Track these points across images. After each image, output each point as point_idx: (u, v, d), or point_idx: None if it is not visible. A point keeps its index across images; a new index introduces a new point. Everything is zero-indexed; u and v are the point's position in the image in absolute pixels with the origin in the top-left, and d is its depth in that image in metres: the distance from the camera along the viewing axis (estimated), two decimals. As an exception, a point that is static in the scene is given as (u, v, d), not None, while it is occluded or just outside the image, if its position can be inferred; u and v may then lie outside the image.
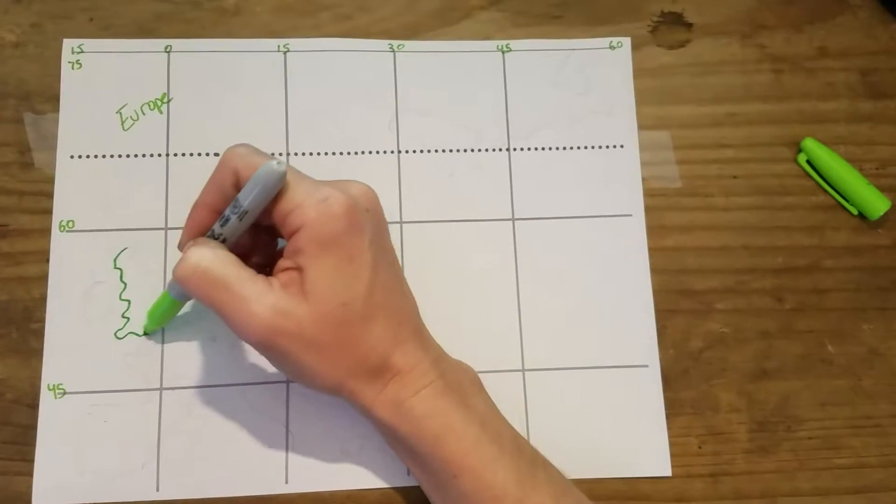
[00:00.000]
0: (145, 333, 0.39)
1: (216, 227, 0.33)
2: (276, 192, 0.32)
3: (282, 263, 0.33)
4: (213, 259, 0.32)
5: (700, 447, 0.40)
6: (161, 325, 0.39)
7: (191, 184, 0.40)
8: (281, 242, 0.37)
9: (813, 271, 0.42)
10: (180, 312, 0.39)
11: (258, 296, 0.31)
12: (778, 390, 0.41)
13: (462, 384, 0.35)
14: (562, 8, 0.45)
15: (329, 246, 0.31)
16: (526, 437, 0.39)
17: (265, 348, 0.32)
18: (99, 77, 0.42)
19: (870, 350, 0.41)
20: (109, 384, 0.38)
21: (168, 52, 0.42)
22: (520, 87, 0.44)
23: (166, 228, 0.40)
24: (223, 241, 0.33)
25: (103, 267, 0.39)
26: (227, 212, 0.33)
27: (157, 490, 0.37)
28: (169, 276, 0.39)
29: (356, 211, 0.32)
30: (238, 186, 0.33)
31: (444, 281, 0.41)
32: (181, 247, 0.35)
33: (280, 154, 0.42)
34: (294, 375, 0.35)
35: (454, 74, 0.43)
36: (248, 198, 0.32)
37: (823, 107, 0.44)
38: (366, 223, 0.33)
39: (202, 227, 0.34)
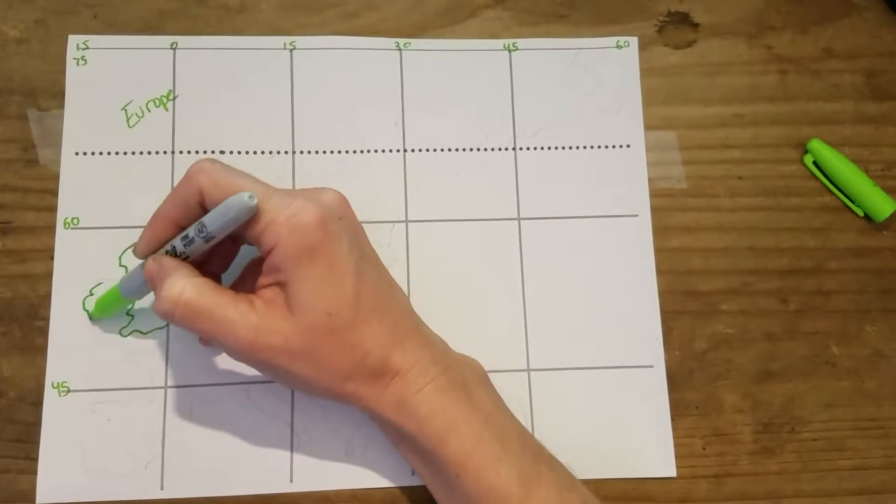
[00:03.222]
0: (90, 318, 0.39)
1: (178, 245, 0.33)
2: (246, 220, 0.31)
3: (262, 281, 0.33)
4: (193, 290, 0.31)
5: (705, 448, 0.40)
6: (107, 316, 0.38)
7: (196, 181, 0.40)
8: (246, 249, 0.37)
9: (818, 273, 0.42)
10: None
11: (242, 318, 0.31)
12: (782, 392, 0.41)
13: (466, 379, 0.35)
14: (568, 7, 0.45)
15: (307, 258, 0.31)
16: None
17: (257, 365, 0.33)
18: (104, 73, 0.42)
19: (874, 352, 0.41)
20: (114, 382, 0.38)
21: (174, 49, 0.42)
22: (526, 86, 0.43)
23: (171, 226, 0.40)
24: (185, 259, 0.33)
25: (108, 264, 0.39)
26: (191, 232, 0.32)
27: (162, 489, 0.37)
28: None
29: (329, 220, 0.32)
30: (203, 205, 0.32)
31: (449, 280, 0.41)
32: (139, 255, 0.35)
33: (286, 153, 0.41)
34: (293, 386, 0.36)
35: (461, 73, 0.43)
36: (215, 224, 0.31)
37: (829, 108, 0.44)
38: (341, 231, 0.32)
39: (161, 240, 0.34)
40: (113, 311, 0.38)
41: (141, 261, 0.35)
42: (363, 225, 0.41)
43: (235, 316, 0.31)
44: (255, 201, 0.31)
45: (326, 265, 0.32)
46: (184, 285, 0.31)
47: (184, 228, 0.33)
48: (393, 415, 0.33)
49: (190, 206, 0.33)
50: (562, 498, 0.33)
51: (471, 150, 0.42)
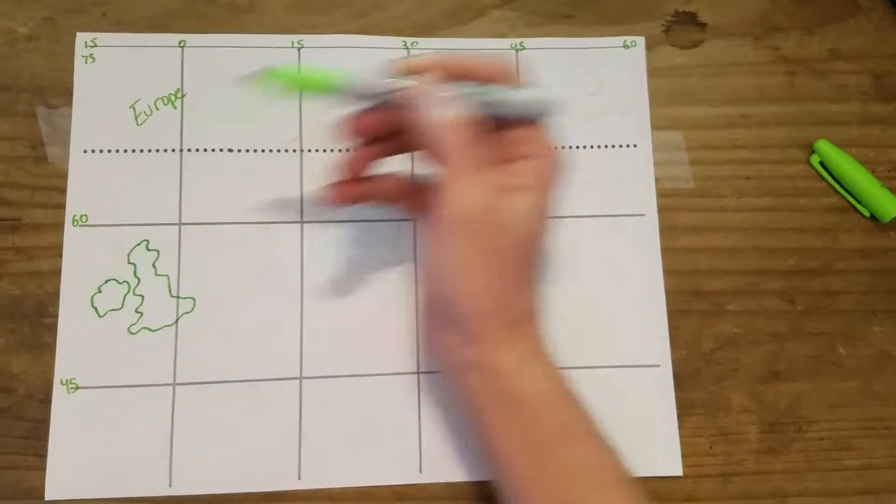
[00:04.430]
0: (256, 81, 0.34)
1: (459, 88, 0.32)
2: (533, 115, 0.33)
3: (500, 171, 0.33)
4: (473, 127, 0.32)
5: (711, 447, 0.40)
6: (280, 87, 0.33)
7: (204, 179, 0.40)
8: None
9: (824, 273, 0.42)
10: (192, 307, 0.39)
11: (483, 176, 0.31)
12: (788, 391, 0.41)
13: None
14: (575, 7, 0.45)
15: (547, 187, 0.33)
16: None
17: (452, 222, 0.32)
18: (112, 71, 0.42)
19: (880, 352, 0.42)
20: (122, 379, 0.38)
21: (182, 47, 0.42)
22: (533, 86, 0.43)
23: (180, 223, 0.40)
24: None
25: (117, 262, 0.39)
26: (479, 88, 0.32)
27: (170, 486, 0.37)
28: (183, 273, 0.39)
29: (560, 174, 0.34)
30: (404, 123, 0.33)
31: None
32: (411, 68, 0.33)
33: (294, 151, 0.41)
34: (448, 273, 0.33)
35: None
36: (512, 100, 0.33)
37: (835, 109, 0.45)
38: None
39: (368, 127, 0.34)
40: (297, 86, 0.34)
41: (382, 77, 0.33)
42: (370, 223, 0.41)
43: (476, 170, 0.31)
44: (556, 106, 0.33)
45: (550, 201, 0.33)
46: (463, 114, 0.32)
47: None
48: (514, 363, 0.33)
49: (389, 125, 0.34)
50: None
51: (478, 149, 0.42)
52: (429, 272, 0.35)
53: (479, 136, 0.32)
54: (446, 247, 0.32)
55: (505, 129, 0.34)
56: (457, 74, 0.33)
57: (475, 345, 0.33)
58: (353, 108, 0.34)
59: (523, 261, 0.33)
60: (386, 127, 0.34)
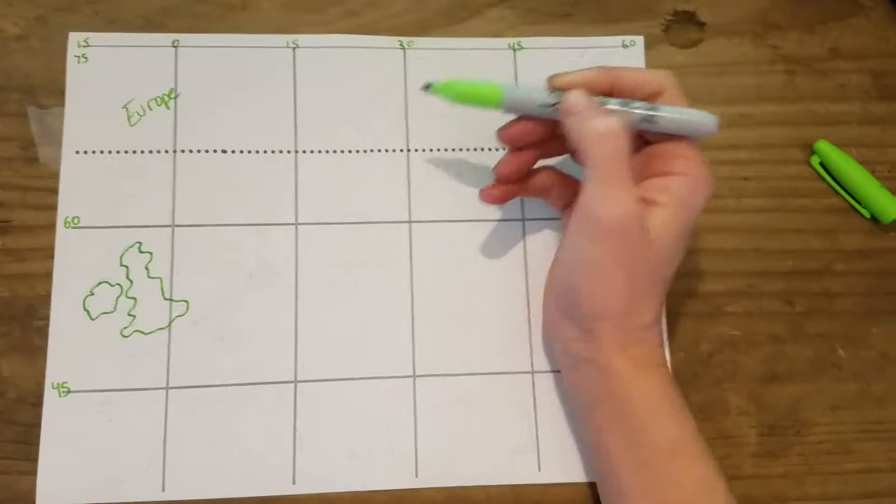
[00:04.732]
0: (426, 87, 0.36)
1: (614, 103, 0.34)
2: (698, 132, 0.34)
3: (645, 185, 0.34)
4: (628, 139, 0.32)
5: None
6: (447, 97, 0.36)
7: (198, 180, 0.40)
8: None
9: (824, 274, 0.42)
10: (186, 309, 0.38)
11: (630, 187, 0.32)
12: (788, 394, 0.40)
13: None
14: (573, 6, 0.45)
15: (687, 206, 0.34)
16: (535, 439, 0.39)
17: (589, 225, 0.33)
18: (105, 71, 0.41)
19: (880, 354, 0.41)
20: (114, 383, 0.38)
21: (176, 47, 0.42)
22: (531, 86, 0.43)
23: (173, 225, 0.40)
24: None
25: (109, 264, 0.39)
26: (638, 104, 0.34)
27: (163, 490, 0.37)
28: (176, 275, 0.39)
29: (710, 196, 0.34)
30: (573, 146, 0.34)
31: (453, 282, 0.40)
32: (561, 84, 0.35)
33: (288, 152, 0.41)
34: (576, 272, 0.34)
35: (465, 72, 0.43)
36: (674, 114, 0.34)
37: (835, 109, 0.44)
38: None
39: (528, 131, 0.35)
40: (464, 99, 0.36)
41: (544, 87, 0.35)
42: (366, 225, 0.41)
43: (629, 182, 0.32)
44: (716, 126, 0.34)
45: (690, 225, 0.34)
46: (623, 127, 0.32)
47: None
48: (631, 369, 0.33)
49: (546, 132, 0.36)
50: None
51: (475, 149, 0.42)
52: (560, 266, 0.36)
53: (629, 147, 0.32)
54: (580, 247, 0.33)
55: (655, 142, 0.35)
56: (612, 90, 0.35)
57: (592, 341, 0.34)
58: (508, 117, 0.36)
59: (651, 275, 0.33)
60: (536, 135, 0.36)
